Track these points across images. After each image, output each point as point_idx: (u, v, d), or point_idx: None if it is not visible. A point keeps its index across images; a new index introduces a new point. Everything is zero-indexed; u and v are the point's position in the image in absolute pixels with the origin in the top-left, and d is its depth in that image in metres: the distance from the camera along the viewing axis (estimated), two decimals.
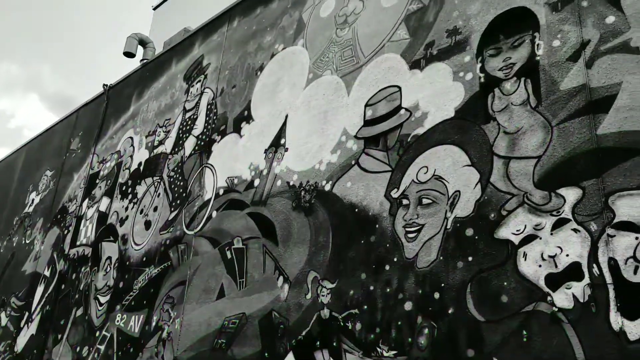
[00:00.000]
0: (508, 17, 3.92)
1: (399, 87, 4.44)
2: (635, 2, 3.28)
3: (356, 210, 4.28)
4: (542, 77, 3.55)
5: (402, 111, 4.32)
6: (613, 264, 2.83)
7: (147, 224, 6.62)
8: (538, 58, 3.62)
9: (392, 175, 4.16)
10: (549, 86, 3.50)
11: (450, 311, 3.38)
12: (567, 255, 3.00)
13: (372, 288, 3.90)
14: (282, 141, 5.31)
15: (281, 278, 4.60)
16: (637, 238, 2.81)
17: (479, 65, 3.93)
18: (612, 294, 2.79)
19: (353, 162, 4.50)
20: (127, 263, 6.63)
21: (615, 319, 2.74)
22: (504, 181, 3.45)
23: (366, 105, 4.65)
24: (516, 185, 3.39)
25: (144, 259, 6.37)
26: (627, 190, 2.93)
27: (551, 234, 3.11)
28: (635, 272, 2.75)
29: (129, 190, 7.35)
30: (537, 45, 3.66)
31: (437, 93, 4.13)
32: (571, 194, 3.13)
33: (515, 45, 3.78)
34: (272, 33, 6.16)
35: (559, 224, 3.10)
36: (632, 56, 3.19)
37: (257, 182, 5.36)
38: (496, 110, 3.71)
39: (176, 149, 6.83)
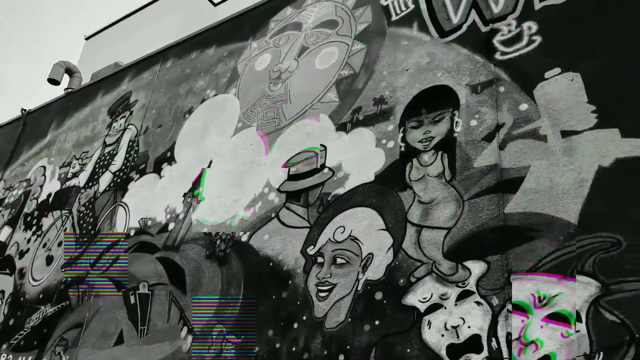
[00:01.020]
0: (432, 93, 4.14)
1: (325, 147, 4.53)
2: (545, 94, 3.55)
3: (271, 264, 4.24)
4: (458, 153, 3.74)
5: (326, 170, 4.40)
6: (510, 340, 2.94)
7: (49, 259, 6.24)
8: (456, 135, 3.82)
9: (310, 232, 4.18)
10: (463, 162, 3.68)
11: None
12: (469, 327, 3.10)
13: (278, 345, 3.83)
14: (200, 189, 5.23)
15: (185, 328, 4.43)
16: (522, 321, 2.94)
17: (401, 135, 4.09)
18: None
19: (273, 215, 4.49)
20: (22, 299, 6.18)
21: None
22: (415, 248, 3.55)
23: (287, 163, 4.69)
24: (426, 253, 3.49)
25: (41, 296, 5.96)
26: (526, 270, 3.08)
27: (455, 304, 3.21)
28: (519, 354, 2.87)
29: (34, 221, 6.94)
30: (456, 122, 3.87)
31: (360, 157, 4.24)
32: (477, 267, 3.26)
33: (436, 120, 3.98)
34: (205, 78, 6.17)
35: (464, 295, 3.21)
36: (540, 143, 3.43)
37: (171, 226, 5.22)
38: (413, 179, 3.85)
39: (90, 184, 6.56)
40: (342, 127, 4.53)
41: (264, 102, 5.33)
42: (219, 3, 12.97)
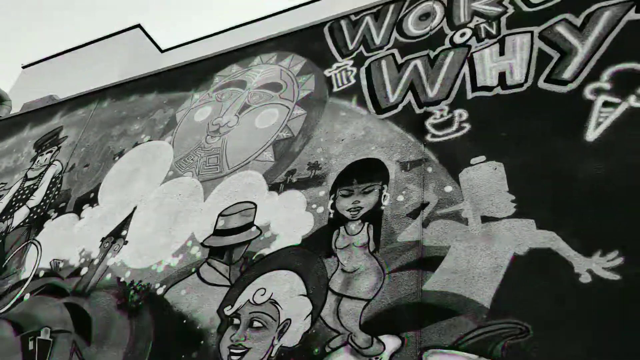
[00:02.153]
0: (364, 165, 4.25)
1: (255, 205, 4.51)
2: (469, 179, 3.72)
3: (184, 321, 4.09)
4: (384, 225, 3.82)
5: (254, 228, 4.37)
6: None
7: None
8: (383, 208, 3.91)
9: (230, 291, 4.09)
10: (388, 235, 3.75)
11: None
12: None
13: None
14: (124, 233, 5.05)
15: None
16: None
17: (331, 201, 4.15)
18: None
19: (193, 270, 4.38)
20: None
21: None
22: (334, 318, 3.54)
23: (220, 214, 4.64)
24: (344, 323, 3.48)
25: None
26: (439, 349, 3.12)
27: None
28: None
29: None
30: (384, 196, 3.97)
31: (289, 219, 4.25)
32: (391, 342, 3.27)
33: (366, 191, 4.07)
34: (142, 123, 6.08)
35: None
36: (461, 225, 3.56)
37: (84, 270, 4.97)
38: (338, 247, 3.88)
39: (3, 217, 6.20)
40: (274, 187, 4.54)
41: (199, 154, 5.29)
42: (167, 50, 13.00)
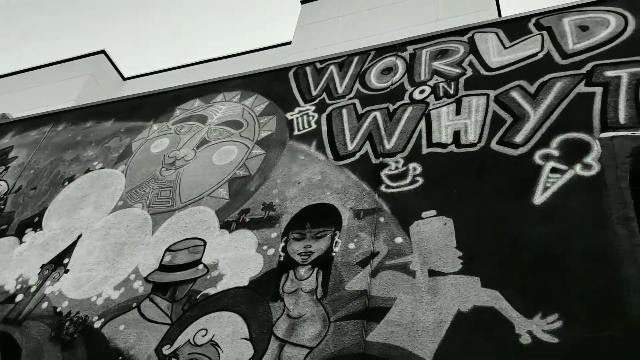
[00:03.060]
0: (318, 210, 4.26)
1: (205, 242, 4.44)
2: (419, 232, 3.77)
3: (120, 358, 3.93)
4: (333, 272, 3.81)
5: (200, 266, 4.28)
6: None
7: None
8: (334, 254, 3.91)
9: (170, 330, 3.97)
10: (336, 283, 3.74)
11: None
12: None
13: None
14: (66, 261, 4.87)
15: None
16: None
17: (282, 244, 4.12)
18: None
19: (134, 305, 4.24)
20: None
21: None
22: None
23: (168, 249, 4.54)
24: None
25: None
26: None
27: None
28: None
29: None
30: (336, 242, 3.98)
31: (238, 259, 4.20)
32: None
33: (318, 236, 4.07)
34: (96, 150, 5.96)
35: None
36: (409, 277, 3.59)
37: (19, 297, 4.75)
38: (286, 291, 3.84)
39: None
40: (226, 226, 4.49)
41: (151, 185, 5.21)
42: (129, 78, 12.89)
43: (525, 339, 3.05)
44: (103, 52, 13.60)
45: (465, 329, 3.23)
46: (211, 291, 4.07)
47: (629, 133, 3.63)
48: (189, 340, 3.83)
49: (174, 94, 6.24)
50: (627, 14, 4.35)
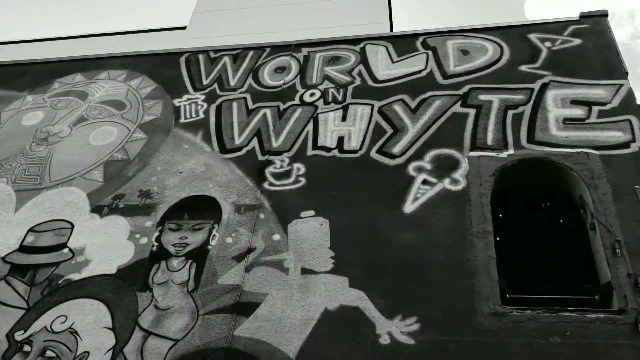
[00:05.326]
0: (198, 201, 4.20)
1: (72, 225, 4.21)
2: (296, 231, 3.85)
3: None
4: (207, 266, 3.78)
5: (65, 250, 4.06)
6: None
7: None
8: (210, 247, 3.88)
9: (25, 315, 3.72)
10: (209, 276, 3.72)
11: None
12: None
13: None
14: None
15: None
16: None
17: (157, 234, 4.02)
18: None
19: None
20: None
21: None
22: (137, 355, 3.37)
23: (31, 229, 4.25)
24: None
25: None
26: None
27: None
28: None
29: None
30: (213, 235, 3.94)
31: (107, 245, 4.03)
32: None
33: (196, 228, 4.01)
34: None
35: None
36: (282, 274, 3.65)
37: None
38: (156, 282, 3.75)
39: None
40: (97, 210, 4.29)
41: (19, 160, 4.84)
42: (5, 43, 11.83)
43: (385, 340, 3.22)
44: None
45: (331, 327, 3.34)
46: (75, 277, 3.87)
47: (494, 154, 3.95)
48: (45, 327, 3.62)
49: (54, 66, 5.84)
50: (503, 44, 4.74)
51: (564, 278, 3.72)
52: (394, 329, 3.26)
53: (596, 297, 3.35)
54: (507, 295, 3.39)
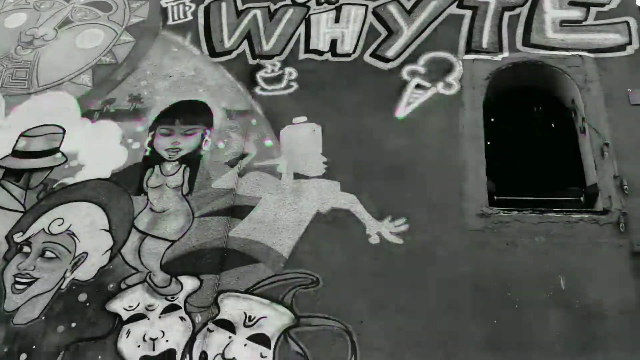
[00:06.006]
0: (190, 106, 4.16)
1: (64, 130, 4.19)
2: (289, 137, 3.85)
3: None
4: (201, 170, 3.81)
5: (59, 155, 4.07)
6: (203, 358, 3.04)
7: None
8: (203, 152, 3.89)
9: (23, 218, 3.79)
10: (203, 180, 3.76)
11: None
12: (167, 340, 3.12)
13: None
14: None
15: None
16: (230, 337, 3.10)
17: (149, 139, 4.01)
18: None
19: None
20: None
21: None
22: (134, 255, 3.48)
23: (22, 134, 4.23)
24: (144, 262, 3.44)
25: None
26: (235, 292, 3.25)
27: (159, 317, 3.21)
28: None
29: None
30: (206, 141, 3.95)
31: (100, 149, 4.04)
32: (189, 284, 3.32)
33: (188, 133, 4.01)
34: None
35: (170, 309, 3.23)
36: (274, 179, 3.69)
37: None
38: (150, 186, 3.79)
39: None
40: (88, 115, 4.26)
41: (4, 64, 4.73)
42: None
43: (374, 239, 3.33)
44: None
45: (322, 229, 3.43)
46: (69, 181, 3.91)
47: (488, 57, 3.89)
48: (43, 229, 3.70)
49: None
50: None
51: (552, 181, 3.78)
52: (384, 230, 3.35)
53: (581, 198, 3.43)
54: (495, 197, 3.46)
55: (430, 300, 3.09)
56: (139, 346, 3.12)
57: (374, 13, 4.32)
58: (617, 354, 2.82)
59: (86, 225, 3.66)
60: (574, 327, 2.90)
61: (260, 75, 4.19)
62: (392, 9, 4.30)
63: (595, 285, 3.00)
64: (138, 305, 3.26)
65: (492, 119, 3.99)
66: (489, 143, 3.67)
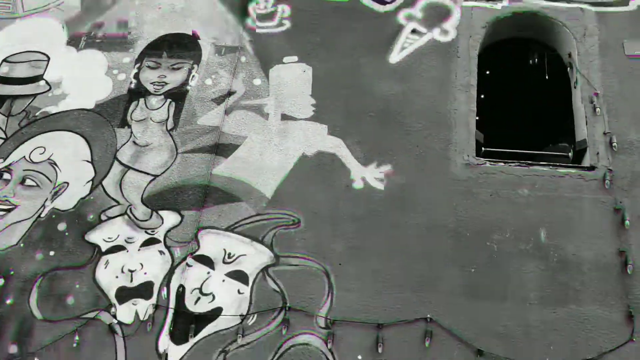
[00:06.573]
0: (178, 39, 4.04)
1: (48, 57, 4.08)
2: (278, 77, 3.76)
3: None
4: (186, 106, 3.73)
5: (42, 82, 3.97)
6: (181, 291, 3.05)
7: None
8: (189, 88, 3.81)
9: (3, 145, 3.73)
10: (188, 116, 3.69)
11: (8, 301, 3.11)
12: (145, 273, 3.12)
13: None
14: None
15: None
16: (208, 273, 3.10)
17: (135, 71, 3.91)
18: (169, 318, 2.99)
19: None
20: None
21: (164, 342, 2.93)
22: (116, 188, 3.44)
23: (4, 60, 4.11)
24: (125, 195, 3.41)
25: None
26: (215, 229, 3.24)
27: (139, 249, 3.20)
28: (195, 303, 3.02)
29: None
30: (193, 76, 3.85)
31: (85, 79, 3.93)
32: (171, 218, 3.30)
33: (175, 67, 3.91)
34: None
35: (149, 242, 3.22)
36: (262, 119, 3.63)
37: None
38: (135, 119, 3.72)
39: None
40: (74, 42, 4.13)
41: None
42: None
43: (358, 184, 3.30)
44: None
45: (307, 171, 3.40)
46: (52, 110, 3.82)
47: (488, 5, 3.78)
48: (24, 157, 3.64)
49: None
50: None
51: (543, 136, 3.74)
52: (368, 175, 3.33)
53: (570, 154, 3.40)
54: (483, 149, 3.43)
55: (409, 246, 3.10)
56: (117, 277, 3.12)
57: None
58: (590, 306, 2.85)
59: (68, 156, 3.60)
60: (549, 279, 2.92)
61: (252, 9, 4.06)
62: None
63: (575, 239, 3.01)
64: (118, 237, 3.25)
65: (487, 71, 3.92)
66: (482, 96, 3.62)
